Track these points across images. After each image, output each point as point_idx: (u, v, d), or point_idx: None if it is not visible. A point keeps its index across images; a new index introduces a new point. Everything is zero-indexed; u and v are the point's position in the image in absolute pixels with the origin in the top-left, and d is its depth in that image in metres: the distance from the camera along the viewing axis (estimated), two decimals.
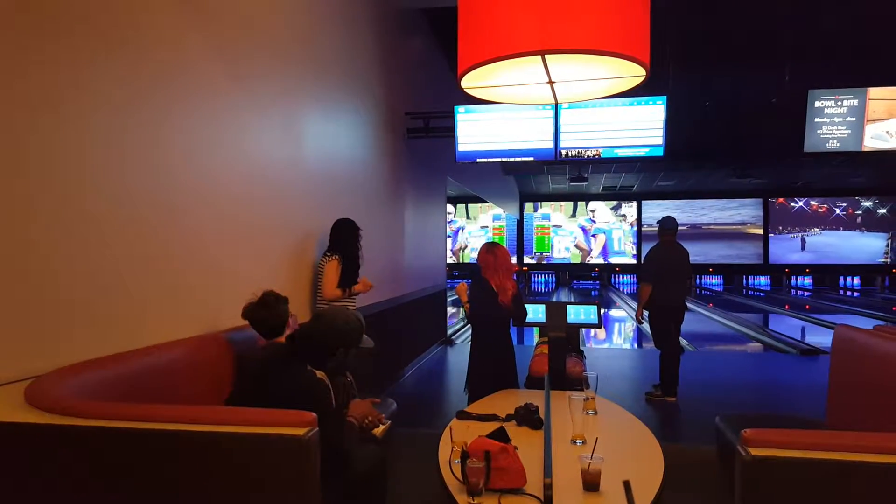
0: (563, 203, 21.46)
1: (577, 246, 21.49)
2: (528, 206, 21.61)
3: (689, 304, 5.70)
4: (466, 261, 21.40)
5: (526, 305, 3.88)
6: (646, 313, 5.51)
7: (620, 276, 21.59)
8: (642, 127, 6.03)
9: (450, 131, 6.38)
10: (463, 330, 9.73)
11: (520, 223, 21.66)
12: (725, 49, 7.91)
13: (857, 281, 20.88)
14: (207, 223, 2.90)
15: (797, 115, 6.41)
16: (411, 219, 6.84)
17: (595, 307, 4.35)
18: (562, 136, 6.12)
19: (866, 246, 20.19)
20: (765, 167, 15.12)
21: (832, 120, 6.33)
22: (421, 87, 7.13)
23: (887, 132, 6.20)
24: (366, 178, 5.30)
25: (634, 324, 10.91)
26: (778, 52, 7.69)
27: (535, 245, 21.66)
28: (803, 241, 20.59)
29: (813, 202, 20.52)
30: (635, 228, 21.20)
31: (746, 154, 12.31)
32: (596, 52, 2.35)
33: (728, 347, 9.49)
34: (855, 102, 6.28)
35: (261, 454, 1.67)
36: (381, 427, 2.41)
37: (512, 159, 6.38)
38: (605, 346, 9.61)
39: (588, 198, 21.17)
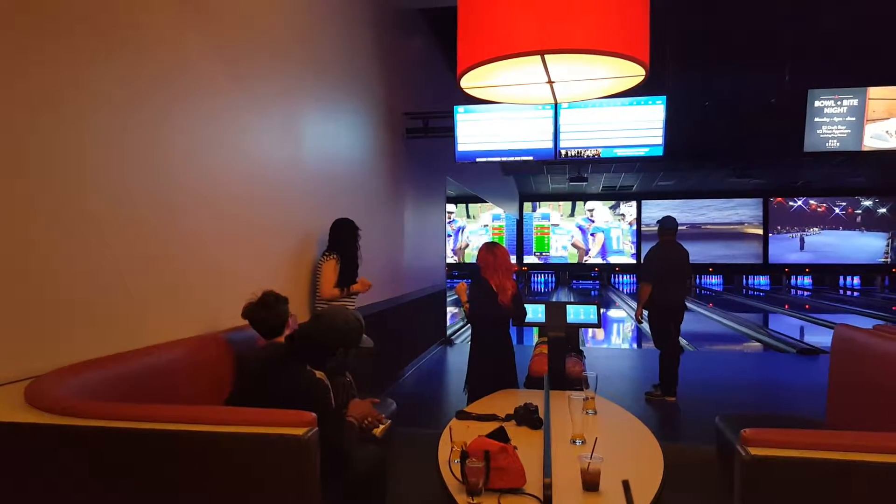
0: (561, 203, 21.46)
1: (573, 245, 21.48)
2: (527, 205, 21.61)
3: (688, 304, 5.70)
4: (469, 260, 21.40)
5: (525, 305, 3.88)
6: (645, 313, 5.51)
7: (620, 276, 21.59)
8: (642, 127, 6.03)
9: (449, 131, 6.38)
10: (462, 330, 9.73)
11: (519, 223, 21.66)
12: (725, 49, 7.91)
13: (856, 280, 20.89)
14: (207, 223, 2.90)
15: (797, 114, 6.41)
16: (411, 219, 6.85)
17: (594, 307, 4.35)
18: (561, 136, 6.12)
19: (866, 245, 20.19)
20: (764, 167, 15.12)
21: (832, 119, 6.33)
22: (420, 87, 7.13)
23: (887, 132, 6.20)
24: (365, 178, 5.30)
25: (634, 323, 10.91)
26: (778, 51, 7.69)
27: (534, 245, 21.65)
28: (802, 240, 20.57)
29: (812, 201, 20.51)
30: (634, 227, 21.19)
31: (746, 154, 12.31)
32: (595, 52, 2.35)
33: (728, 347, 9.49)
34: (855, 102, 6.28)
35: (261, 454, 1.67)
36: (381, 427, 2.40)
37: (511, 159, 6.38)
38: (605, 346, 9.61)
39: (588, 198, 21.17)
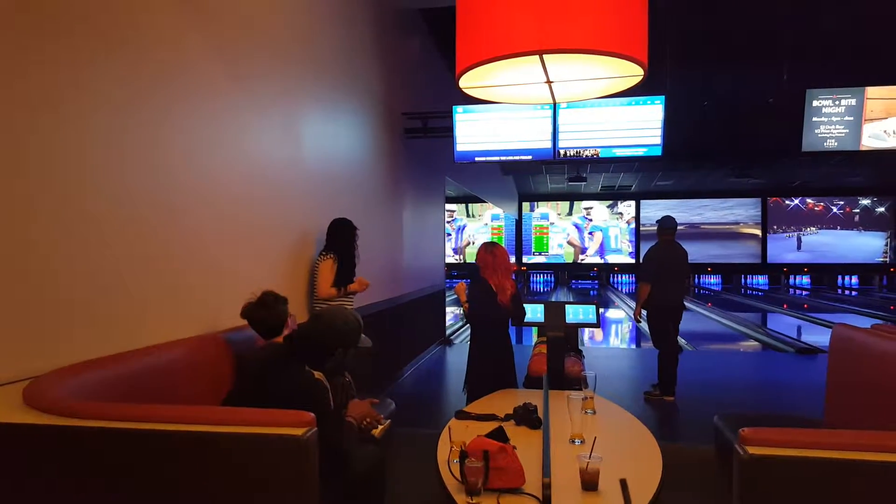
0: (559, 202, 21.45)
1: (569, 242, 21.46)
2: (525, 205, 21.60)
3: (687, 304, 5.71)
4: (471, 260, 21.36)
5: (525, 305, 3.88)
6: (644, 313, 5.51)
7: (619, 276, 21.60)
8: (640, 127, 6.03)
9: (448, 131, 6.39)
10: (462, 330, 9.74)
11: (518, 223, 21.66)
12: (724, 49, 7.91)
13: (855, 280, 20.91)
14: (207, 223, 2.90)
15: (795, 114, 6.42)
16: (410, 219, 6.85)
17: (593, 307, 4.36)
18: (560, 136, 6.12)
19: (864, 245, 20.18)
20: (763, 167, 15.12)
21: (830, 119, 6.33)
22: (419, 87, 7.13)
23: (885, 131, 6.21)
24: (364, 178, 5.30)
25: (633, 323, 10.92)
26: (777, 51, 7.69)
27: (533, 245, 21.65)
28: (799, 240, 20.55)
29: (809, 200, 20.49)
30: (632, 226, 21.19)
31: (745, 154, 12.32)
32: (594, 52, 2.35)
33: (726, 347, 9.50)
34: (853, 102, 6.29)
35: (260, 454, 1.67)
36: (380, 427, 2.41)
37: (510, 159, 6.38)
38: (604, 345, 9.62)
39: (586, 197, 21.17)
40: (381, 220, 5.76)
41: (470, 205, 21.95)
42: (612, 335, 10.85)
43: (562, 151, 6.15)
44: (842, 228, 20.36)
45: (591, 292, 19.27)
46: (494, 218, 22.01)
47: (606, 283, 21.29)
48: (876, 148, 6.30)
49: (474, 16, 2.52)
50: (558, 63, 2.61)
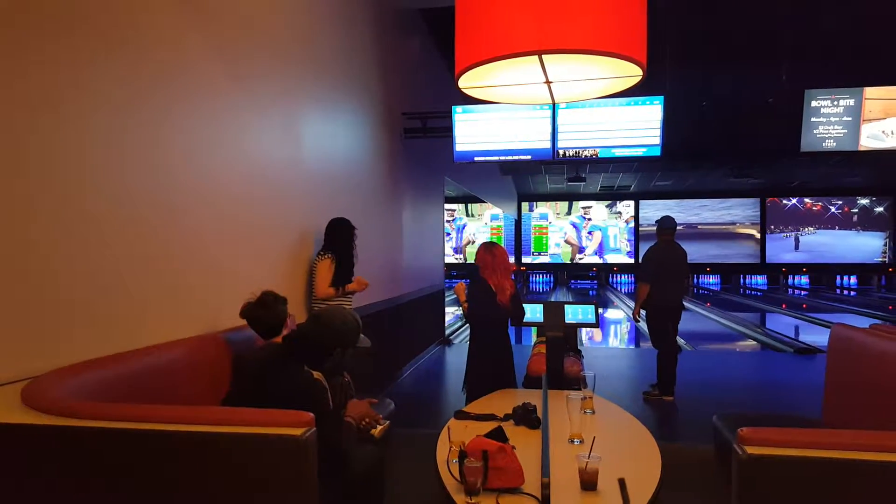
0: (558, 202, 21.45)
1: (566, 241, 21.46)
2: (525, 205, 21.59)
3: (686, 304, 5.72)
4: (472, 259, 21.32)
5: (524, 305, 3.89)
6: (643, 313, 5.52)
7: (618, 276, 21.60)
8: (639, 127, 6.03)
9: (447, 131, 6.39)
10: (461, 330, 9.74)
11: (517, 223, 21.66)
12: (724, 49, 7.92)
13: (853, 280, 20.92)
14: (207, 223, 2.90)
15: (794, 114, 6.42)
16: (409, 219, 6.85)
17: (593, 307, 4.36)
18: (559, 136, 6.13)
19: (863, 245, 20.19)
20: (762, 167, 15.13)
21: (829, 119, 6.34)
22: (419, 87, 7.13)
23: (883, 132, 6.22)
24: (364, 178, 5.30)
25: (632, 323, 10.92)
26: (777, 51, 7.70)
27: (532, 245, 21.65)
28: (797, 240, 20.54)
29: (807, 200, 20.47)
30: (631, 226, 21.19)
31: (744, 154, 12.33)
32: (593, 52, 2.36)
33: (725, 346, 9.51)
34: (851, 102, 6.30)
35: (259, 454, 1.67)
36: (379, 427, 2.41)
37: (509, 159, 6.39)
38: (603, 345, 9.63)
39: (586, 198, 21.17)
40: (381, 220, 5.76)
41: (470, 204, 21.95)
42: (612, 335, 10.86)
43: (561, 151, 6.15)
44: (840, 228, 20.37)
45: (591, 292, 19.28)
46: (494, 218, 22.00)
47: (605, 283, 21.30)
48: (874, 148, 6.31)
49: (473, 16, 2.52)
50: (557, 63, 2.61)
